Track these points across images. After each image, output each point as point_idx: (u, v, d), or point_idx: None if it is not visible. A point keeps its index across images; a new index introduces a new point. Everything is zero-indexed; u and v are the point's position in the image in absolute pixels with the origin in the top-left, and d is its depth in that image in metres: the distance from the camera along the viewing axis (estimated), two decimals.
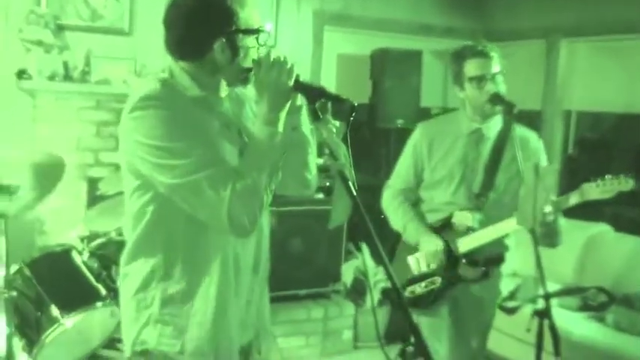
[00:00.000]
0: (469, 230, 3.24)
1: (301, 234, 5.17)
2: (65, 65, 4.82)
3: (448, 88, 6.47)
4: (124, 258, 2.08)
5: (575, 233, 5.16)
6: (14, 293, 3.22)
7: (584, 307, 4.81)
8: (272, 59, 1.89)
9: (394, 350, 1.76)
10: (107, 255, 3.63)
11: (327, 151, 1.88)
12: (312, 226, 5.21)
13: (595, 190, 2.96)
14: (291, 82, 1.89)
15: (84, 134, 4.92)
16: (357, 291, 5.43)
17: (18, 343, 3.26)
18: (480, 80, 3.15)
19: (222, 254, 2.01)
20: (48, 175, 3.33)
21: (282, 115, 1.90)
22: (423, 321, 3.36)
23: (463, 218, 3.25)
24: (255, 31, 1.96)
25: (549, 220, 2.97)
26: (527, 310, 4.48)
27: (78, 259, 3.55)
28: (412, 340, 1.79)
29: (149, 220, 1.98)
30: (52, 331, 3.21)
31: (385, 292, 5.41)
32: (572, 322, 4.56)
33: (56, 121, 4.82)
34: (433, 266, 3.30)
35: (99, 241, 3.76)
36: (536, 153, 3.30)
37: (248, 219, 1.86)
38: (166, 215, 1.95)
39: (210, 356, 2.03)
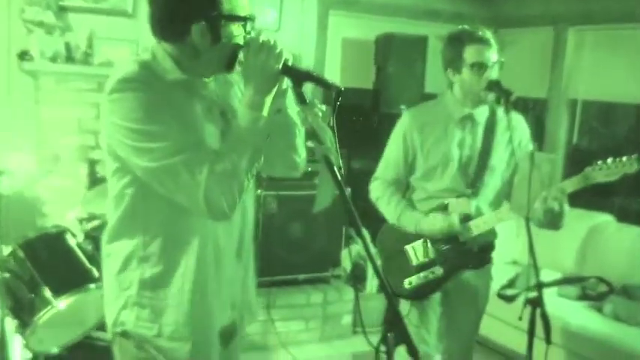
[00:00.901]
0: (467, 218, 3.21)
1: (301, 219, 5.17)
2: (67, 47, 4.81)
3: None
4: (105, 236, 2.09)
5: (577, 223, 5.15)
6: (7, 275, 3.23)
7: (584, 297, 4.81)
8: (261, 42, 1.86)
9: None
10: (101, 237, 3.63)
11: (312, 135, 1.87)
12: (311, 210, 5.19)
13: (599, 173, 2.92)
14: (279, 66, 1.86)
15: (85, 116, 4.91)
16: (357, 276, 5.44)
17: (11, 325, 3.27)
18: (480, 67, 3.11)
19: (200, 238, 2.00)
20: None
21: (268, 99, 1.89)
22: (413, 312, 3.36)
23: (460, 206, 3.21)
24: (240, 19, 1.93)
25: (552, 206, 2.95)
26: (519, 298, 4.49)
27: (72, 241, 3.55)
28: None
29: (128, 203, 1.97)
30: (45, 312, 3.21)
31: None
32: (571, 311, 4.57)
33: (58, 103, 4.82)
34: (422, 260, 3.27)
35: (94, 223, 3.77)
36: (527, 134, 3.29)
37: (227, 202, 1.84)
38: (145, 198, 1.95)
39: (188, 340, 2.03)
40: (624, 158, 2.90)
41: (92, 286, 3.38)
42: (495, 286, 3.93)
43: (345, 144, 1.88)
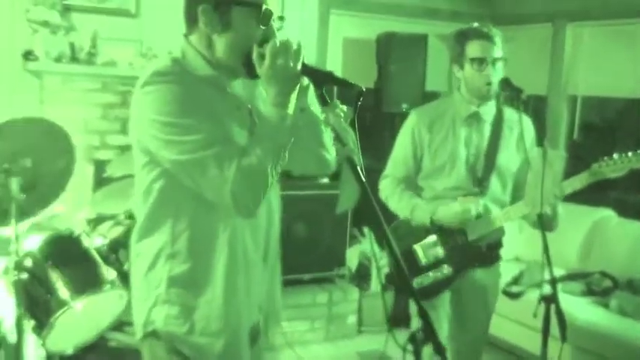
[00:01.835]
0: (476, 216, 3.22)
1: (306, 218, 5.18)
2: (72, 47, 4.81)
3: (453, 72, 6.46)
4: (134, 235, 2.09)
5: (579, 218, 5.19)
6: (24, 275, 3.24)
7: (588, 292, 4.83)
8: (278, 44, 1.86)
9: (398, 335, 1.76)
10: (115, 238, 3.64)
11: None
12: (316, 210, 5.22)
13: (606, 169, 2.95)
14: (299, 66, 1.87)
15: (90, 116, 4.93)
16: (362, 276, 5.46)
17: (27, 325, 3.28)
18: (480, 62, 3.14)
19: (230, 234, 2.01)
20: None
21: (292, 97, 1.89)
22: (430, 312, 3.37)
23: (468, 205, 3.22)
24: (252, 5, 1.92)
25: (553, 203, 2.99)
26: (532, 295, 4.50)
27: (87, 241, 3.55)
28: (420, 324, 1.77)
29: (157, 197, 1.98)
30: (61, 313, 3.22)
31: (389, 277, 5.43)
32: (576, 307, 4.58)
33: (63, 103, 4.82)
34: (431, 259, 3.29)
35: (107, 223, 3.77)
36: (533, 138, 3.32)
37: (252, 199, 1.86)
38: (174, 192, 1.96)
39: (221, 335, 2.03)
40: (630, 154, 2.93)
41: (107, 287, 3.39)
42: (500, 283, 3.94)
43: None
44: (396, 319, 3.75)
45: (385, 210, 3.43)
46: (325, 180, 5.21)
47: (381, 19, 6.10)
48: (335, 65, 5.97)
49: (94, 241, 3.62)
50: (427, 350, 1.75)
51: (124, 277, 3.42)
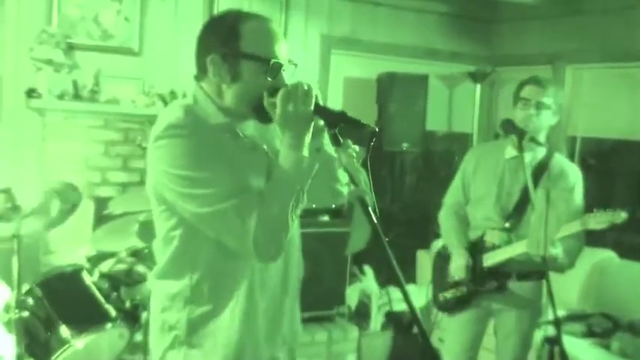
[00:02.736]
0: (493, 247, 3.52)
1: (306, 256, 5.12)
2: (75, 84, 4.84)
3: (453, 112, 6.52)
4: (154, 274, 2.09)
5: (579, 259, 5.15)
6: (25, 313, 3.22)
7: (589, 334, 4.79)
8: (287, 91, 1.87)
9: None
10: (117, 276, 3.63)
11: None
12: (316, 248, 5.19)
13: (591, 221, 3.21)
14: (311, 108, 1.88)
15: (92, 153, 4.94)
16: (362, 314, 5.43)
17: None
18: (526, 102, 3.42)
19: (248, 277, 2.01)
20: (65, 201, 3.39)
21: (307, 139, 1.89)
22: (448, 322, 3.80)
23: (493, 237, 3.54)
24: (261, 60, 1.93)
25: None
26: (535, 336, 4.47)
27: (88, 279, 3.54)
28: None
29: (177, 245, 1.98)
30: (61, 352, 3.20)
31: (389, 316, 5.42)
32: (578, 349, 4.54)
33: (65, 140, 4.84)
34: (456, 278, 3.59)
35: (109, 261, 3.76)
36: (573, 186, 3.48)
37: (274, 246, 1.87)
38: (193, 239, 1.96)
39: None
40: (616, 210, 3.18)
41: (109, 325, 3.37)
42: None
43: None
44: (396, 358, 3.76)
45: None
46: (326, 218, 5.21)
47: (381, 59, 6.17)
48: (336, 105, 5.99)
49: (96, 279, 3.61)
50: None
51: (126, 316, 3.41)
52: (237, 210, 1.82)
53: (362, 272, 5.48)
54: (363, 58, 6.22)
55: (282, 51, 1.99)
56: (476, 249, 3.61)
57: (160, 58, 5.18)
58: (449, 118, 6.45)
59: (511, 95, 3.59)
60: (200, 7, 5.35)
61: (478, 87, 6.25)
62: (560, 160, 3.53)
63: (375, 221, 1.81)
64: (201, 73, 2.00)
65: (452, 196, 3.84)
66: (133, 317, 3.59)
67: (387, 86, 5.88)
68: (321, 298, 5.28)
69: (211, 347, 2.01)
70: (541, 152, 3.53)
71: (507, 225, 3.51)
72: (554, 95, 3.46)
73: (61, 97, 4.75)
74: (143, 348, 3.62)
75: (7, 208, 3.19)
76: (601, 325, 4.81)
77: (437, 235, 4.51)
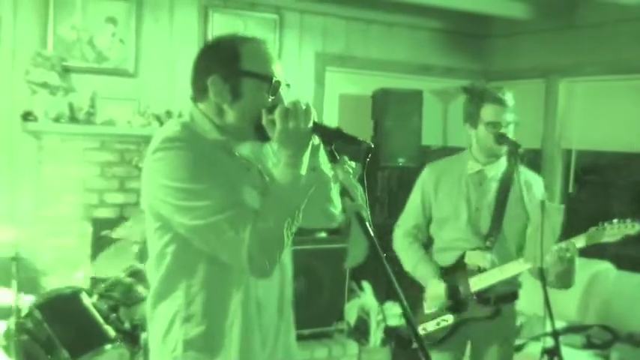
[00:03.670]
0: (480, 270, 3.28)
1: (304, 273, 5.16)
2: (70, 107, 4.86)
3: (448, 126, 6.54)
4: (149, 301, 2.08)
5: (578, 271, 5.15)
6: (25, 337, 3.22)
7: (588, 345, 4.80)
8: (286, 109, 1.89)
9: None
10: (116, 296, 3.63)
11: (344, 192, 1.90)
12: (315, 265, 5.21)
13: (602, 234, 3.07)
14: (310, 125, 1.90)
15: (88, 175, 4.95)
16: (361, 330, 5.42)
17: None
18: (494, 126, 3.25)
19: (243, 295, 2.01)
20: None
21: (305, 157, 1.91)
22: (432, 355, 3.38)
23: (475, 258, 3.30)
24: (261, 77, 1.96)
25: (567, 256, 3.01)
26: (533, 348, 4.48)
27: (87, 300, 3.54)
28: None
29: (170, 261, 1.98)
30: None
31: (388, 331, 5.41)
32: None
33: (61, 162, 4.85)
34: (434, 309, 3.38)
35: (107, 282, 3.76)
36: (539, 196, 3.32)
37: (268, 261, 1.86)
38: (187, 255, 1.96)
39: None
40: (629, 220, 3.04)
41: (108, 346, 3.36)
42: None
43: None
44: None
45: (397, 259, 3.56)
46: (323, 234, 5.22)
47: (376, 76, 6.21)
48: (331, 121, 6.03)
49: (94, 300, 3.61)
50: None
51: (125, 336, 3.40)
52: (232, 222, 1.83)
53: (360, 288, 5.48)
54: (357, 75, 6.26)
55: (279, 71, 2.02)
56: (458, 273, 3.36)
57: (156, 78, 5.21)
58: (444, 132, 6.48)
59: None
60: (195, 28, 5.39)
61: None
62: (524, 171, 3.34)
63: (372, 235, 1.83)
64: (200, 95, 2.01)
65: (410, 218, 3.55)
66: (132, 337, 3.58)
67: (382, 102, 5.92)
68: (320, 315, 5.28)
69: None
70: (502, 164, 3.39)
71: (487, 244, 3.32)
72: (515, 105, 3.31)
73: (57, 119, 4.76)
74: None
75: None
76: (600, 337, 4.82)
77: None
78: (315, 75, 5.98)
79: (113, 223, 4.35)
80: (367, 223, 1.84)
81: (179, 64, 5.20)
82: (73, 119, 4.85)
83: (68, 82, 4.92)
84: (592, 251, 5.15)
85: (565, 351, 4.68)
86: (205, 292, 1.99)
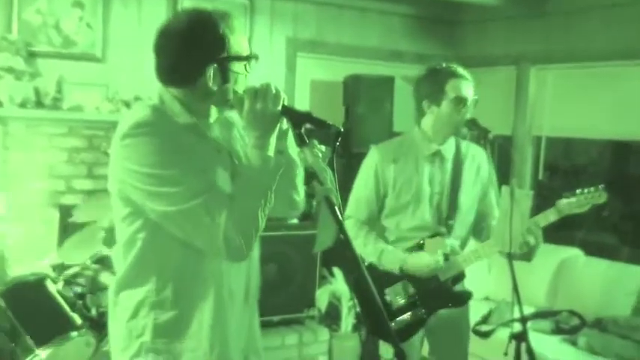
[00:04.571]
0: (445, 257, 3.20)
1: (275, 260, 5.15)
2: (37, 92, 4.78)
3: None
4: (113, 287, 2.05)
5: (546, 257, 5.22)
6: None
7: (557, 331, 4.84)
8: (256, 89, 1.89)
9: None
10: (82, 283, 3.59)
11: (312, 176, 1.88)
12: (286, 251, 5.20)
13: (570, 205, 3.01)
14: (279, 108, 1.89)
15: (56, 161, 4.88)
16: (332, 316, 5.43)
17: None
18: (460, 101, 3.14)
19: (216, 281, 2.00)
20: None
21: (273, 139, 1.91)
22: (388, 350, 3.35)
23: (436, 246, 3.21)
24: (246, 58, 1.98)
25: (529, 240, 3.00)
26: (502, 333, 4.51)
27: (52, 288, 3.50)
28: None
29: (140, 248, 1.95)
30: None
31: (359, 317, 5.41)
32: (545, 346, 4.58)
33: (27, 148, 4.77)
34: (401, 301, 3.23)
35: (73, 269, 3.72)
36: (488, 170, 3.28)
37: (245, 243, 1.85)
38: (157, 242, 1.94)
39: None
40: (592, 189, 3.01)
41: (74, 334, 3.32)
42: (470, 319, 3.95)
43: None
44: None
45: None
46: (295, 221, 5.20)
47: (347, 62, 6.20)
48: (303, 107, 5.97)
49: (60, 287, 3.56)
50: None
51: (92, 324, 3.36)
52: (206, 207, 1.82)
53: (331, 274, 5.48)
54: (329, 61, 6.23)
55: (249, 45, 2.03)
56: None
57: (124, 64, 5.14)
58: (416, 118, 6.46)
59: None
60: (164, 13, 5.32)
61: None
62: (466, 145, 3.31)
63: (341, 220, 1.82)
64: (185, 81, 1.96)
65: (364, 210, 3.31)
66: (99, 325, 3.54)
67: (353, 88, 5.90)
68: (291, 301, 5.27)
69: (179, 352, 1.98)
70: (453, 144, 3.31)
71: (444, 229, 3.23)
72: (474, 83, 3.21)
73: (22, 105, 4.68)
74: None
75: None
76: (568, 322, 4.86)
77: None
78: (286, 61, 5.94)
79: None
80: (336, 208, 1.83)
81: (148, 49, 5.08)
82: (40, 104, 4.77)
83: (34, 67, 4.84)
84: (561, 237, 5.25)
85: (533, 336, 4.69)
86: (177, 278, 1.97)
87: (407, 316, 3.24)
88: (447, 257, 3.20)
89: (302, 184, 2.14)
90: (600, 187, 3.00)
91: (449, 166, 3.29)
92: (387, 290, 3.27)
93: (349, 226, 3.29)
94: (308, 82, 6.18)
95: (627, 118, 5.44)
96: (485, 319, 4.93)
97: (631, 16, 5.27)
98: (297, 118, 1.92)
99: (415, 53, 6.55)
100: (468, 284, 3.39)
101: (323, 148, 1.93)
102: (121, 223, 1.98)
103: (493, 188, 3.29)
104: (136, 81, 5.07)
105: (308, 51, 6.08)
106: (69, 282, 3.62)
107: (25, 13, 4.81)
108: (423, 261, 3.18)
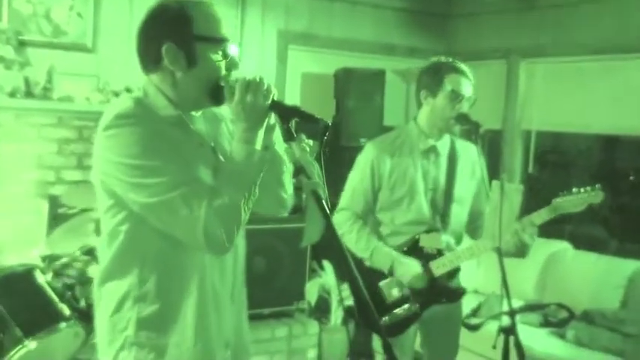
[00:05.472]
0: (440, 253, 3.22)
1: (265, 252, 5.15)
2: (26, 81, 4.74)
3: (410, 107, 6.55)
4: (97, 280, 2.04)
5: (535, 250, 5.15)
6: None
7: (545, 324, 4.88)
8: (248, 81, 1.87)
9: None
10: (71, 274, 3.58)
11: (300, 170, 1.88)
12: (275, 244, 5.20)
13: (566, 204, 3.01)
14: (268, 102, 1.88)
15: (45, 152, 4.86)
16: (322, 309, 5.43)
17: None
18: (457, 96, 3.16)
19: (199, 273, 1.99)
20: None
21: (260, 133, 1.90)
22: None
23: (431, 241, 3.22)
24: (215, 40, 1.94)
25: (524, 239, 3.02)
26: (491, 326, 4.53)
27: (41, 278, 3.49)
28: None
29: (123, 240, 1.95)
30: (15, 352, 3.15)
31: (349, 310, 5.42)
32: (534, 338, 4.62)
33: (17, 139, 4.74)
34: (396, 295, 3.20)
35: (63, 260, 3.71)
36: (481, 167, 3.27)
37: (226, 235, 1.84)
38: (140, 235, 1.93)
39: None
40: (589, 188, 3.01)
41: (63, 325, 3.32)
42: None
43: None
44: (358, 353, 3.73)
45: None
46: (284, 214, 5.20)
47: (338, 55, 6.19)
48: (293, 100, 5.99)
49: (49, 278, 3.55)
50: None
51: (81, 315, 3.36)
52: (185, 199, 1.81)
53: (321, 267, 5.48)
54: (320, 54, 6.22)
55: (228, 32, 1.99)
56: (417, 258, 3.23)
57: (115, 54, 5.11)
58: (406, 112, 6.47)
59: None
60: (154, 2, 5.28)
61: None
62: (460, 143, 3.35)
63: (328, 214, 1.82)
64: (152, 65, 1.97)
65: (359, 203, 3.32)
66: (87, 316, 3.53)
67: (344, 82, 5.90)
68: (280, 294, 5.27)
69: (163, 346, 1.97)
70: (448, 140, 3.33)
71: (439, 225, 3.25)
72: (474, 88, 3.24)
73: (12, 94, 4.64)
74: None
75: None
76: (556, 315, 4.90)
77: None
78: (277, 53, 5.92)
79: None
80: (324, 202, 1.83)
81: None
82: (29, 94, 4.74)
83: (24, 56, 4.80)
84: (550, 231, 5.26)
85: (522, 329, 4.71)
86: (160, 271, 1.96)
87: (401, 310, 3.23)
88: (441, 253, 3.22)
89: (290, 181, 2.12)
90: (597, 186, 3.02)
91: (443, 162, 3.30)
92: (382, 284, 3.25)
93: (343, 218, 3.34)
94: (299, 74, 6.16)
95: (617, 112, 5.47)
96: (474, 312, 4.97)
97: (620, 10, 5.29)
98: (285, 113, 1.91)
99: (407, 47, 6.55)
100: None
101: (311, 142, 1.93)
102: (104, 214, 1.97)
103: (485, 186, 3.31)
104: (127, 72, 5.03)
105: (299, 44, 6.06)
106: (58, 273, 3.62)
107: (15, 1, 4.78)
108: (412, 270, 3.20)
